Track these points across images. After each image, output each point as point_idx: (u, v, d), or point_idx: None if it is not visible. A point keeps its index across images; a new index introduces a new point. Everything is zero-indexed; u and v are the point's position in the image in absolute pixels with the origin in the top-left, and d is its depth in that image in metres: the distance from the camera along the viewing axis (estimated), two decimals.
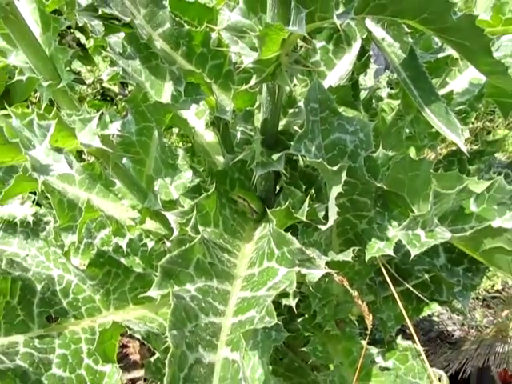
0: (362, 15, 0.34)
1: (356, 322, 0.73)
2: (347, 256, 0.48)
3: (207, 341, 0.33)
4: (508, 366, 1.29)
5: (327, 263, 0.43)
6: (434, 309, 0.76)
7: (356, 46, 0.64)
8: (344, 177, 0.42)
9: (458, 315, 1.52)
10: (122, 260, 0.74)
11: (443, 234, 0.40)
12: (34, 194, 0.88)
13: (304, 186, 0.52)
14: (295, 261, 0.38)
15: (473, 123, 1.84)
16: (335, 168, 0.41)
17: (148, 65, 0.49)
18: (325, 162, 0.42)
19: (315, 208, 0.47)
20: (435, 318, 1.57)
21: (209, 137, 0.77)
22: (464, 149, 0.38)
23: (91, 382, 0.59)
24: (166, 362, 0.30)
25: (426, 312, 0.76)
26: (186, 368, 0.31)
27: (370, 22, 0.39)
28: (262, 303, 0.35)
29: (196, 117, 0.77)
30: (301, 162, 0.59)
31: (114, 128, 0.48)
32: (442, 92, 0.67)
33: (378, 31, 0.39)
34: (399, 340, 0.76)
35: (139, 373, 1.01)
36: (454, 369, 1.28)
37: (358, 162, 0.47)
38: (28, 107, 1.13)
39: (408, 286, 0.72)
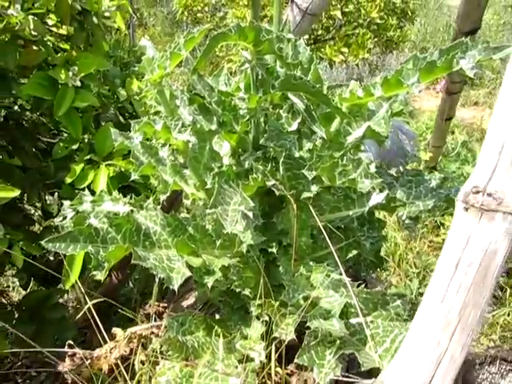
0: (283, 91, 0.93)
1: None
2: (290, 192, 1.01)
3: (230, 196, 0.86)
4: None
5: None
6: (354, 253, 1.22)
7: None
8: (283, 154, 0.97)
9: None
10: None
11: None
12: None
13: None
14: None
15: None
16: (280, 149, 0.97)
17: (206, 117, 1.08)
18: (276, 148, 0.97)
19: (275, 171, 1.01)
20: None
21: None
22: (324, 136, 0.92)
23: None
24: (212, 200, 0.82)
25: (349, 255, 1.23)
26: (220, 197, 0.83)
27: (290, 94, 0.96)
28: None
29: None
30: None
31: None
32: (351, 137, 1.23)
33: (294, 98, 0.97)
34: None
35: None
36: None
37: (292, 152, 1.02)
38: None
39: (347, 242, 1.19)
